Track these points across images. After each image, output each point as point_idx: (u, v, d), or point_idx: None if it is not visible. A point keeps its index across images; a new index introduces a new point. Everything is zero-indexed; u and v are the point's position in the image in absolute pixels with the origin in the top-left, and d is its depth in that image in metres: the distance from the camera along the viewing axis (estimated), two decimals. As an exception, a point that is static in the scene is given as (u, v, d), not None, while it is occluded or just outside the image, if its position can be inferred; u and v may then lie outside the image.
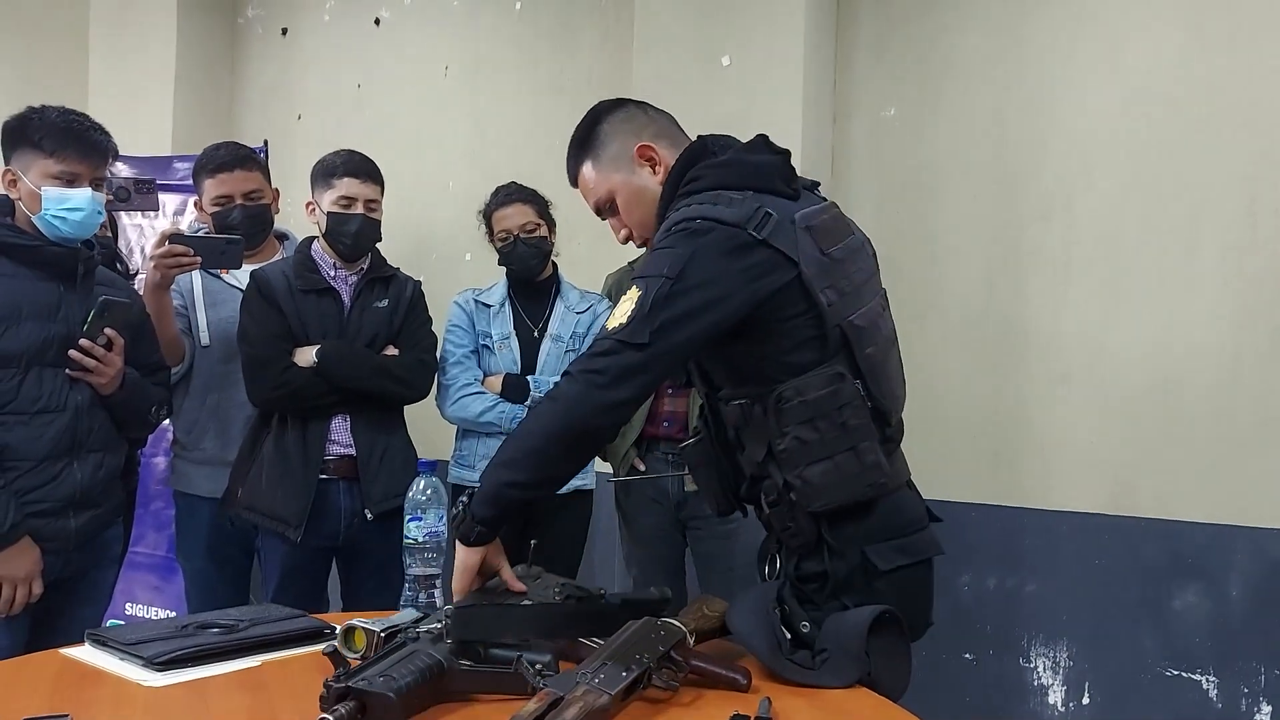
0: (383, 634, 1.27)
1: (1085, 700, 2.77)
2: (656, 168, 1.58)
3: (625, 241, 1.65)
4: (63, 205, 1.98)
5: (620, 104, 1.64)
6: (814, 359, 1.45)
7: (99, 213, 2.03)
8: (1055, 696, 2.80)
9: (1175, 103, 2.67)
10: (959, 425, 2.90)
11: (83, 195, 1.99)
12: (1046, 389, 2.81)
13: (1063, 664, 2.80)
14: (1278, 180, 2.57)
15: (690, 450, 1.64)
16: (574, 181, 1.65)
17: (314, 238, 2.53)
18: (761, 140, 1.58)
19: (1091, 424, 2.76)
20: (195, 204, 2.72)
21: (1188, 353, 2.64)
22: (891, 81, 3.05)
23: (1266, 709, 2.56)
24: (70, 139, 1.98)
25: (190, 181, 3.47)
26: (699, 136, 1.60)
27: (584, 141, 1.62)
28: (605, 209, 1.63)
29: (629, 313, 1.40)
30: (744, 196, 1.46)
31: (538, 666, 1.21)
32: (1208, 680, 2.62)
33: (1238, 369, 2.60)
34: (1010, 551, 2.86)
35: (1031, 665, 2.83)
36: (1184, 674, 2.64)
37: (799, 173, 1.56)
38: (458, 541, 1.42)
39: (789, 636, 1.37)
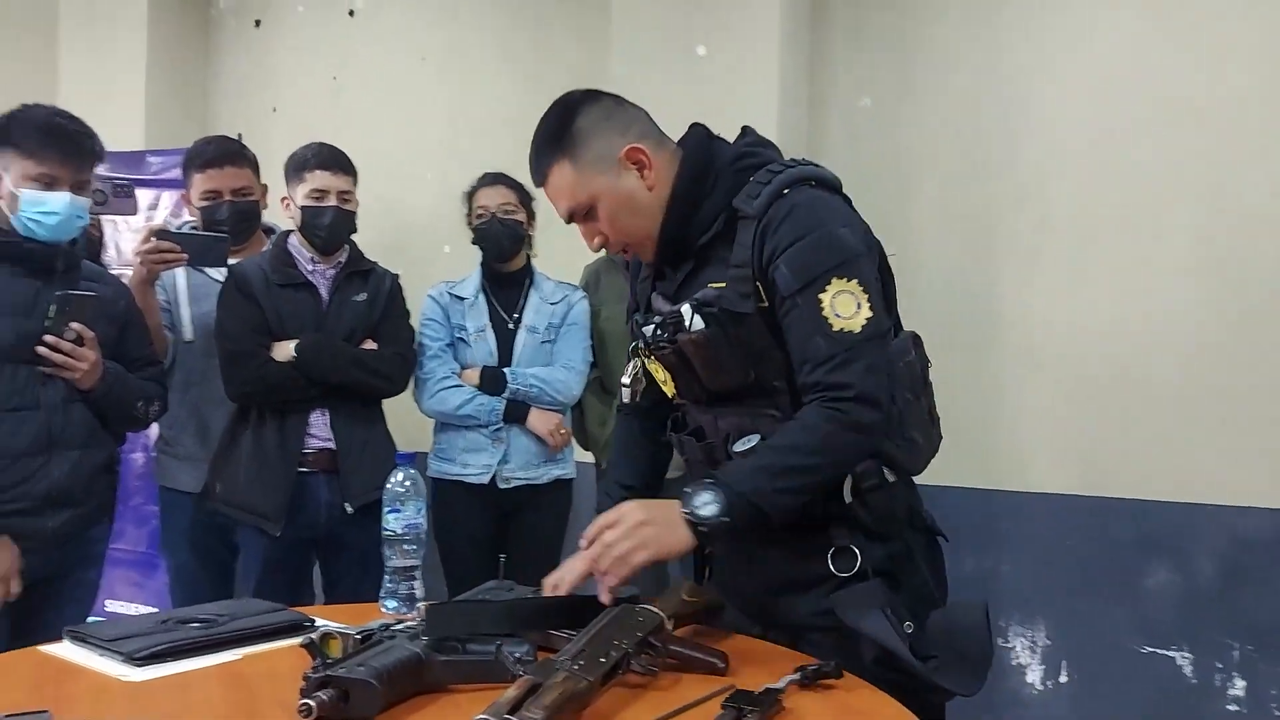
0: (358, 636, 1.28)
1: (1063, 679, 2.80)
2: (645, 171, 1.44)
3: (599, 248, 1.52)
4: (38, 208, 1.96)
5: (595, 96, 1.48)
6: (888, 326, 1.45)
7: (79, 216, 2.01)
8: (1034, 675, 2.84)
9: (1143, 90, 2.70)
10: (934, 408, 2.93)
11: (60, 200, 1.96)
12: (1018, 373, 2.85)
13: (1040, 644, 2.83)
14: (1242, 167, 2.61)
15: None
16: (541, 181, 1.49)
17: (290, 232, 2.52)
18: (754, 130, 1.53)
19: (1062, 406, 2.79)
20: (183, 197, 2.71)
21: (1155, 336, 2.68)
22: (867, 71, 3.06)
23: (1240, 684, 2.61)
24: (51, 141, 1.95)
25: (163, 176, 3.47)
26: (694, 124, 1.52)
27: (557, 138, 1.44)
28: (580, 214, 1.47)
29: (861, 304, 1.34)
30: (813, 162, 1.47)
31: (516, 655, 1.22)
32: (1182, 656, 2.67)
33: (1204, 351, 2.64)
34: (985, 533, 2.89)
35: (1010, 645, 2.86)
36: (1159, 651, 2.68)
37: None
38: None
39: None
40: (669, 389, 1.52)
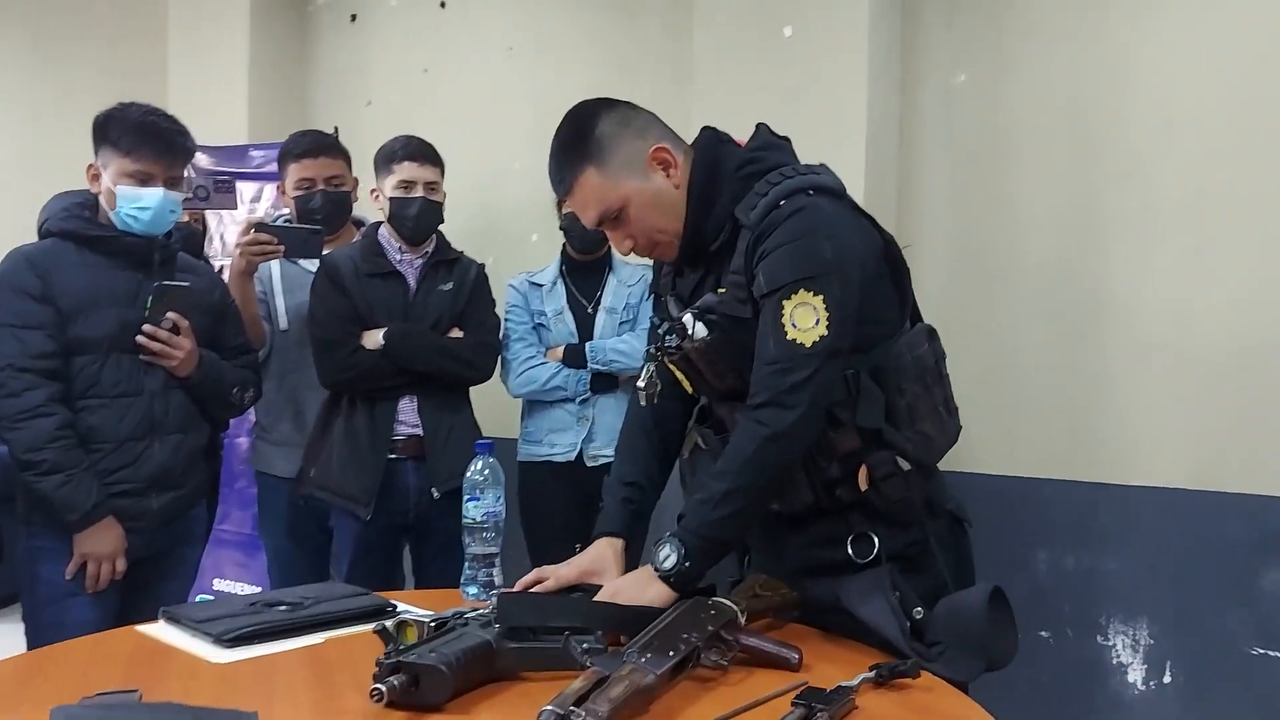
0: (432, 624, 1.30)
1: (1167, 679, 2.69)
2: (671, 170, 1.49)
3: (629, 253, 1.56)
4: (134, 204, 2.05)
5: (610, 104, 1.52)
6: (896, 320, 1.52)
7: (172, 211, 2.10)
8: (1135, 675, 2.73)
9: (1260, 59, 2.54)
10: (1036, 398, 2.83)
11: (153, 195, 2.05)
12: (1126, 360, 2.72)
13: (1143, 643, 2.72)
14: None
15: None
16: (565, 191, 1.51)
17: (380, 223, 2.57)
18: (768, 128, 1.57)
19: (1173, 396, 2.66)
20: (278, 188, 2.81)
21: (1274, 320, 2.53)
22: (962, 46, 2.96)
23: (1365, 690, 2.46)
24: (145, 139, 2.04)
25: (265, 170, 3.57)
26: (705, 127, 1.55)
27: (579, 146, 1.48)
28: (610, 218, 1.50)
29: (820, 320, 1.38)
30: (819, 166, 1.51)
31: (585, 645, 1.22)
32: (1299, 661, 2.53)
33: (1328, 337, 2.48)
34: (1088, 528, 2.78)
35: (1110, 644, 2.76)
36: (1272, 653, 2.55)
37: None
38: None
39: (908, 624, 1.36)
40: (687, 386, 1.58)
